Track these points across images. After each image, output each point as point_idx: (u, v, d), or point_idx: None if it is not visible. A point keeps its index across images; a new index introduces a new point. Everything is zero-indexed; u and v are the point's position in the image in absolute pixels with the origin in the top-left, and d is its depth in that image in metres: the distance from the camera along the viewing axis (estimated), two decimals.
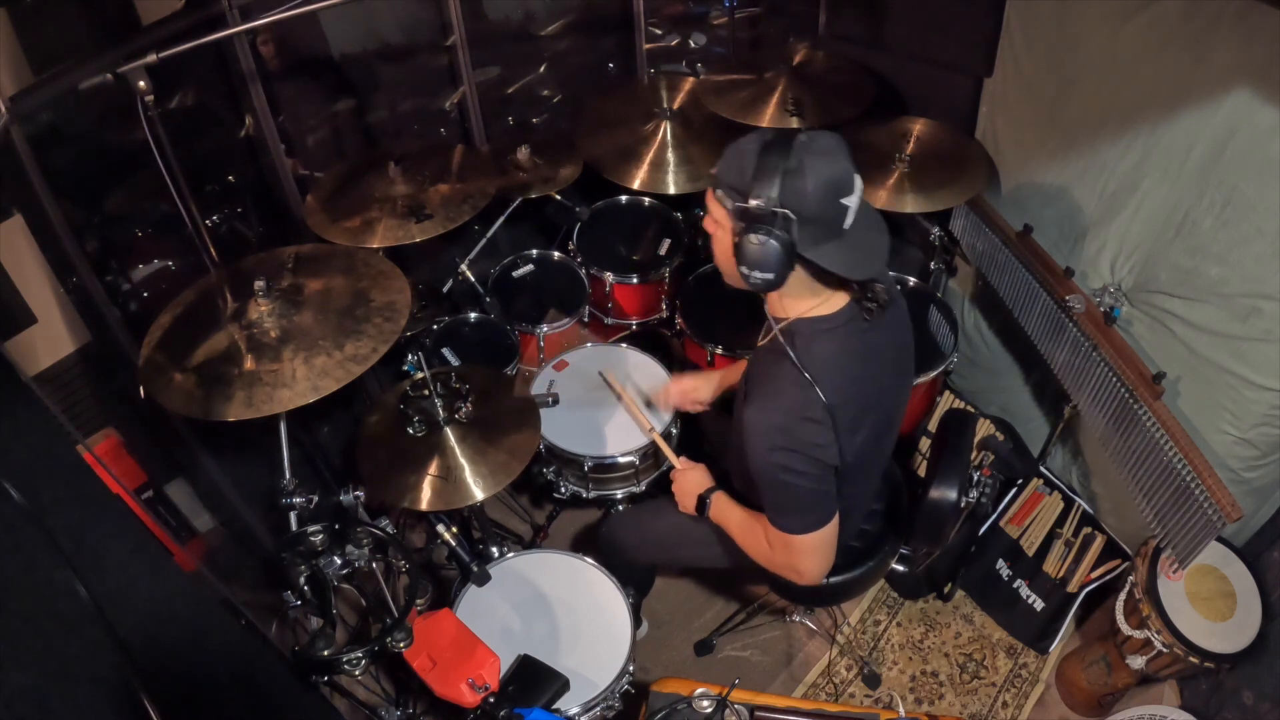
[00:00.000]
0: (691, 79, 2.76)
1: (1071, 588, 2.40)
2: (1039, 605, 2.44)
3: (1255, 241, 1.73)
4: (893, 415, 1.68)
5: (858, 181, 1.35)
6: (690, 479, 1.87)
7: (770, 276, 1.36)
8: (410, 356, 2.30)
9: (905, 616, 2.60)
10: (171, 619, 1.39)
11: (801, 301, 1.48)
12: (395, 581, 1.74)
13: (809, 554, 1.60)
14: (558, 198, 2.58)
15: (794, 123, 2.33)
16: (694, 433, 2.34)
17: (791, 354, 1.43)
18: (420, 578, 1.72)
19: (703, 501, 1.81)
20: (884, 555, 1.95)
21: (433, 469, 1.86)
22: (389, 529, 1.76)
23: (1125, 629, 2.08)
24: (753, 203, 1.33)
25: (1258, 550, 2.10)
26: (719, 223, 1.45)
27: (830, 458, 1.47)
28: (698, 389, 2.05)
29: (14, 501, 1.12)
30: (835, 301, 1.48)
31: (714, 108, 2.43)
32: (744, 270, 1.38)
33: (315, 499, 1.80)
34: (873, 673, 2.43)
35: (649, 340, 2.83)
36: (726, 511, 1.78)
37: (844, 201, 1.34)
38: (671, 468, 1.98)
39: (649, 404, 2.29)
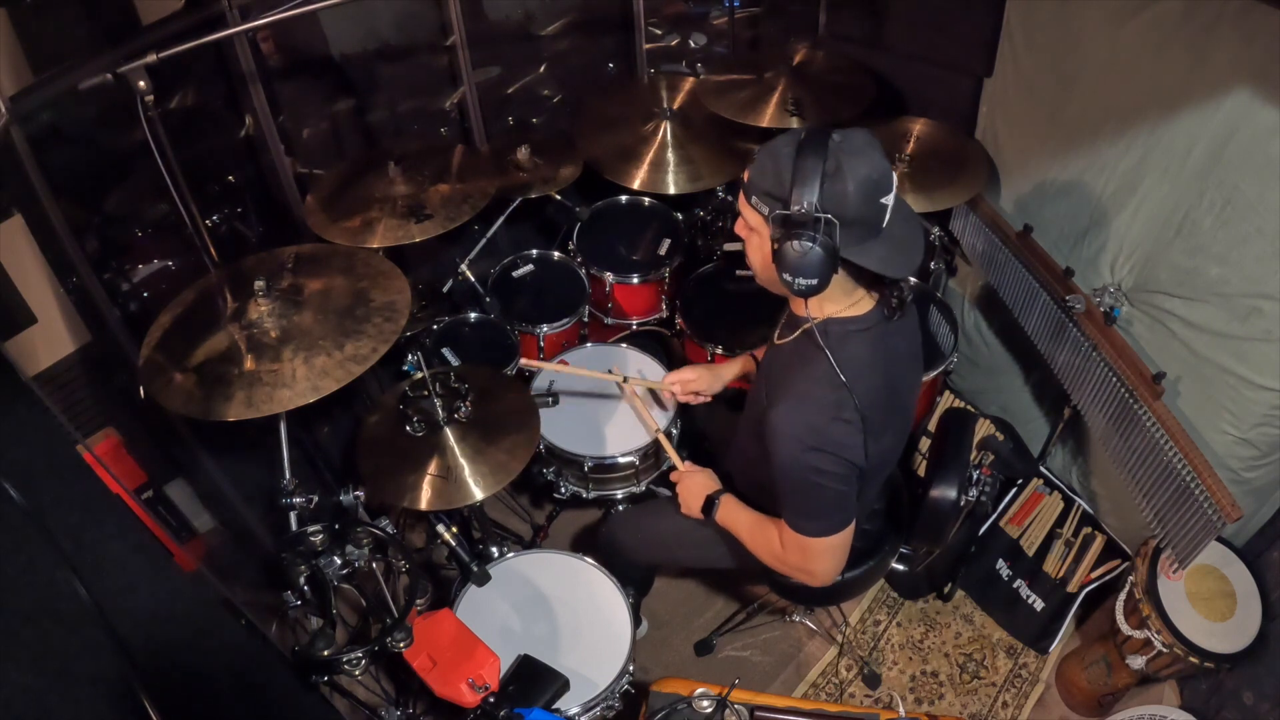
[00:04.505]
0: (691, 79, 2.76)
1: (1071, 588, 2.40)
2: (1039, 605, 2.44)
3: (1255, 241, 1.73)
4: (909, 419, 1.68)
5: (894, 178, 1.34)
6: (696, 481, 1.86)
7: (814, 282, 1.34)
8: (410, 356, 2.30)
9: (905, 616, 2.60)
10: (171, 619, 1.39)
11: (833, 303, 1.47)
12: (395, 581, 1.74)
13: (824, 557, 1.59)
14: (558, 198, 2.58)
15: (794, 123, 2.33)
16: (695, 433, 2.34)
17: (830, 355, 1.41)
18: (420, 578, 1.72)
19: (710, 503, 1.80)
20: (884, 555, 1.95)
21: (433, 469, 1.86)
22: (389, 529, 1.75)
23: (1125, 629, 2.08)
24: (794, 209, 1.31)
25: (1258, 550, 2.10)
26: (755, 229, 1.43)
27: (858, 459, 1.46)
28: (700, 380, 2.03)
29: (14, 501, 1.12)
30: (864, 303, 1.48)
31: (714, 108, 2.43)
32: (787, 277, 1.35)
33: (315, 499, 1.80)
34: (873, 673, 2.43)
35: (649, 340, 2.83)
36: (735, 514, 1.77)
37: (883, 201, 1.33)
38: (673, 468, 1.98)
39: (653, 401, 2.29)
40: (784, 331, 1.62)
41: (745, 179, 1.41)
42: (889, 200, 1.34)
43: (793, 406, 1.46)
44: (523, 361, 2.21)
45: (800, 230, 1.31)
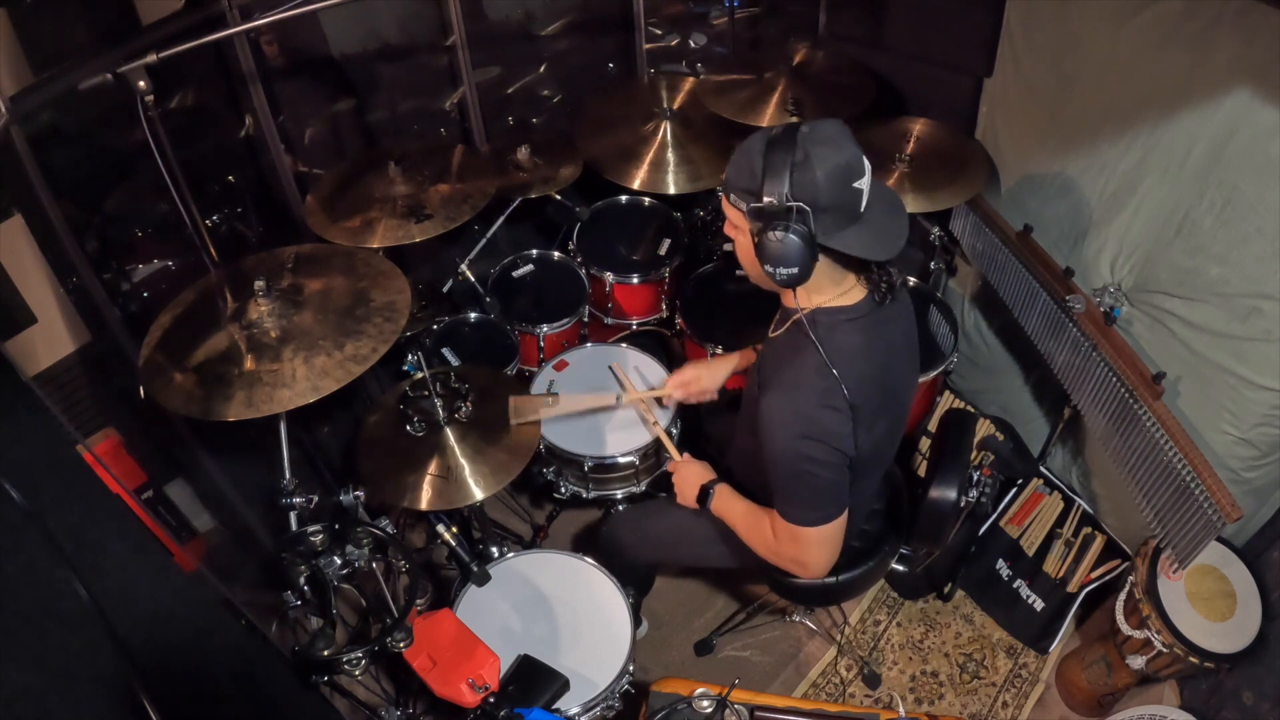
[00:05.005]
0: (691, 79, 2.76)
1: (1071, 588, 2.40)
2: (1039, 605, 2.44)
3: (1255, 241, 1.73)
4: (904, 411, 1.69)
5: (866, 164, 1.36)
6: (692, 471, 1.87)
7: (795, 271, 1.36)
8: (410, 356, 2.30)
9: (905, 616, 2.60)
10: (171, 619, 1.39)
11: (822, 293, 1.49)
12: (395, 581, 1.74)
13: (817, 547, 1.60)
14: (558, 198, 2.58)
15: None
16: (695, 433, 2.34)
17: (817, 343, 1.43)
18: (420, 578, 1.72)
19: (705, 493, 1.81)
20: (884, 555, 1.95)
21: (433, 469, 1.86)
22: (389, 529, 1.75)
23: (1125, 629, 2.08)
24: (766, 201, 1.33)
25: (1258, 550, 2.10)
26: (737, 226, 1.46)
27: (847, 448, 1.47)
28: (699, 379, 2.04)
29: (14, 501, 1.12)
30: (854, 293, 1.49)
31: (714, 108, 2.43)
32: (769, 269, 1.38)
33: (315, 499, 1.80)
34: (873, 673, 2.43)
35: (649, 340, 2.83)
36: (729, 504, 1.78)
37: (856, 185, 1.34)
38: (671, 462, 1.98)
39: (653, 402, 2.29)
40: (777, 325, 1.63)
41: (724, 179, 1.45)
42: (863, 185, 1.35)
43: (782, 395, 1.47)
44: (512, 406, 1.97)
45: (775, 221, 1.33)
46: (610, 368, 2.35)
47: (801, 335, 1.47)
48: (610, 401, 2.25)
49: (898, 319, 1.57)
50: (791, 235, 1.33)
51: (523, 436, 1.94)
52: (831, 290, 1.48)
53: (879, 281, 1.48)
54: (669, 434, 2.23)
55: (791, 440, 1.45)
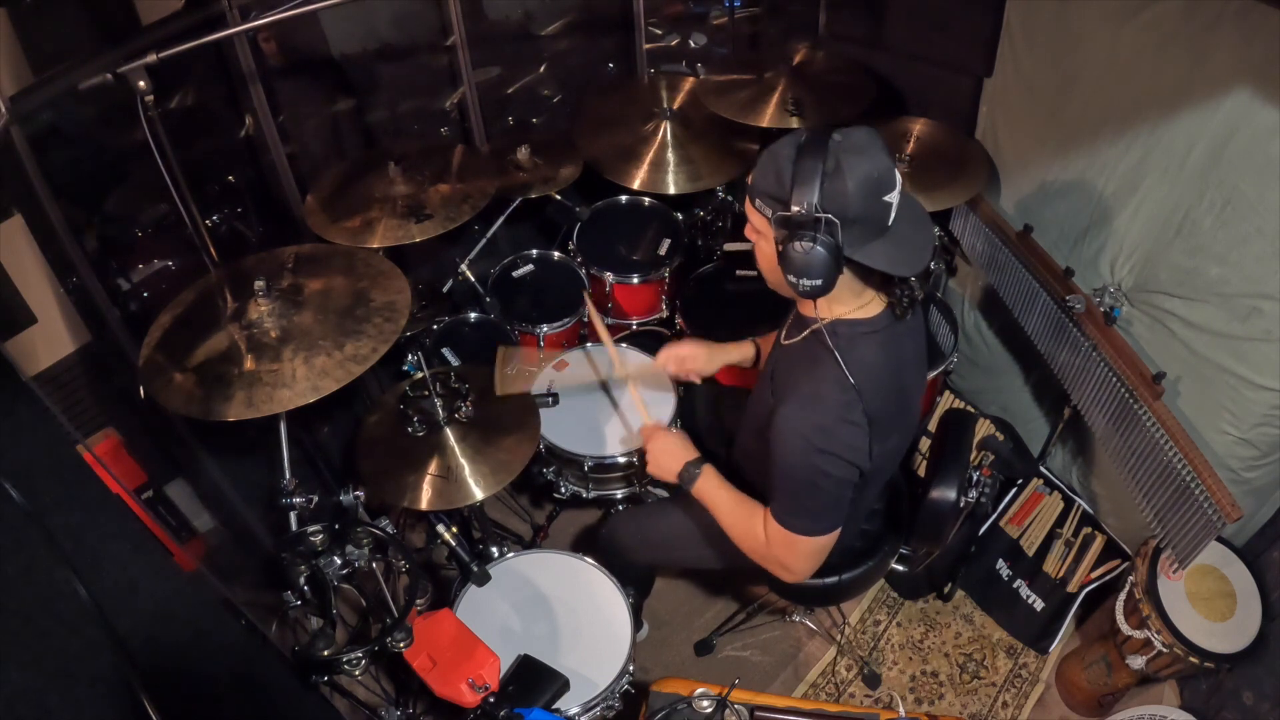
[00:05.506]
0: (691, 79, 2.76)
1: (1071, 588, 2.40)
2: (1039, 605, 2.44)
3: (1255, 241, 1.73)
4: (914, 423, 1.67)
5: (897, 176, 1.33)
6: (672, 441, 1.79)
7: (819, 283, 1.33)
8: (410, 356, 2.30)
9: (905, 616, 2.60)
10: (171, 619, 1.39)
11: (842, 304, 1.46)
12: (395, 581, 1.74)
13: (809, 556, 1.59)
14: (558, 198, 2.58)
15: (794, 123, 2.33)
16: (694, 435, 2.33)
17: (839, 356, 1.40)
18: (420, 578, 1.72)
19: (690, 472, 1.74)
20: (884, 555, 1.95)
21: (433, 469, 1.86)
22: (389, 529, 1.75)
23: (1125, 629, 2.08)
24: (794, 209, 1.30)
25: (1258, 550, 2.10)
26: (760, 232, 1.43)
27: (862, 461, 1.45)
28: (696, 357, 1.97)
29: (14, 501, 1.12)
30: (874, 305, 1.47)
31: (714, 108, 2.43)
32: (791, 279, 1.34)
33: (315, 499, 1.80)
34: (873, 673, 2.43)
35: (650, 340, 2.83)
36: (715, 490, 1.72)
37: (887, 198, 1.32)
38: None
39: (653, 393, 2.28)
40: (791, 332, 1.61)
41: (749, 182, 1.41)
42: (893, 198, 1.33)
43: (801, 407, 1.45)
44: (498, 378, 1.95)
45: (802, 231, 1.30)
46: (584, 295, 2.23)
47: (819, 346, 1.44)
48: (599, 375, 2.18)
49: (912, 331, 1.56)
50: (818, 247, 1.29)
51: (523, 436, 1.94)
52: (852, 302, 1.46)
53: (900, 297, 1.46)
54: (673, 423, 2.21)
55: (808, 453, 1.43)
